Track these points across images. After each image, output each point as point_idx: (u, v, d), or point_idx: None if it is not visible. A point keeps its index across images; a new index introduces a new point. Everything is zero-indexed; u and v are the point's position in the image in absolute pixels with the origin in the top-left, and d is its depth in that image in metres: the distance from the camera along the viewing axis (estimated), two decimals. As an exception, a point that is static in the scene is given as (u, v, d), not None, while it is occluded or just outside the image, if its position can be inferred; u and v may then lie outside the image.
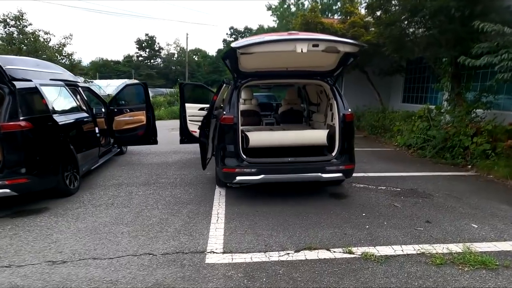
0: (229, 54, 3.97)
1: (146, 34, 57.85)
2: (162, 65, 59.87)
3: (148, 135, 7.49)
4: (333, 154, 4.58)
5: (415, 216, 4.24)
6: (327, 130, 4.88)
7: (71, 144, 4.99)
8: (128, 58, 57.54)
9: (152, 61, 59.43)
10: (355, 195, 5.06)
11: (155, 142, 7.61)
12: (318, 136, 4.83)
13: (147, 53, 58.37)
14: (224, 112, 4.47)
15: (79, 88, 6.45)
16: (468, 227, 3.89)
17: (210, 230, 3.84)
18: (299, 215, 4.27)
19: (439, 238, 3.62)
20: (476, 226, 3.91)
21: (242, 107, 7.16)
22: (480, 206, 4.56)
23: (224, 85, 5.02)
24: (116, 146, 7.87)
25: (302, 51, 3.63)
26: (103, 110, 7.64)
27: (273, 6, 29.40)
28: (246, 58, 4.20)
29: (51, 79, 5.37)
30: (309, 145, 4.86)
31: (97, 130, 6.66)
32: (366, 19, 11.20)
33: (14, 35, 17.84)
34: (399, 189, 5.33)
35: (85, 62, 52.74)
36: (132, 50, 75.72)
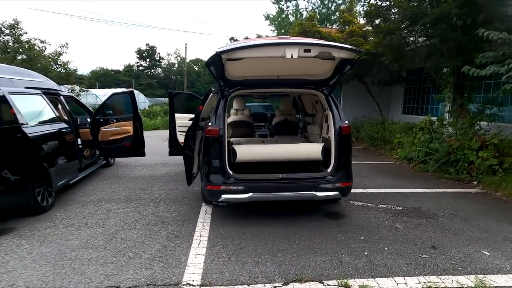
0: (213, 61, 3.61)
1: (147, 44, 58.22)
2: (162, 74, 60.01)
3: (135, 146, 7.11)
4: (329, 170, 4.18)
5: (419, 240, 3.82)
6: (322, 144, 4.49)
7: (44, 158, 4.58)
8: (128, 68, 57.75)
9: (152, 70, 59.60)
10: (353, 214, 4.64)
11: (142, 154, 7.22)
12: (312, 150, 4.44)
13: (147, 62, 58.60)
14: (210, 124, 4.09)
15: (61, 97, 6.09)
16: (479, 255, 3.46)
17: (190, 256, 3.41)
18: (291, 238, 3.85)
19: (447, 268, 3.19)
20: (488, 254, 3.48)
21: (233, 117, 6.82)
22: (490, 229, 4.14)
23: (211, 94, 4.65)
24: (102, 158, 7.49)
25: (292, 56, 3.27)
26: (88, 120, 7.29)
27: (271, 16, 29.36)
28: (233, 65, 3.85)
29: (26, 87, 5.00)
30: (303, 160, 4.47)
31: (79, 141, 6.30)
32: (365, 28, 10.94)
33: (10, 43, 17.62)
34: (400, 208, 4.91)
35: (86, 71, 52.87)
36: (133, 59, 76.07)
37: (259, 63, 3.87)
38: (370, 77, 11.84)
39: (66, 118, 6.13)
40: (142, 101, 33.87)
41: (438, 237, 3.89)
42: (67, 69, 19.23)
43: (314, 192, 4.01)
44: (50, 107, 5.31)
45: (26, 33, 17.82)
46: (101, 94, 31.16)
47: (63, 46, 18.97)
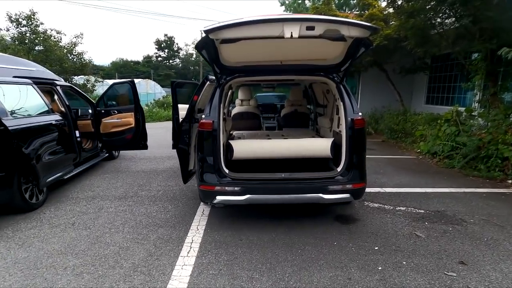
0: (204, 43, 3.12)
1: (165, 35, 58.25)
2: (180, 65, 60.06)
3: (137, 139, 6.78)
4: (338, 169, 3.65)
5: (444, 252, 3.25)
6: (332, 139, 3.95)
7: (31, 152, 4.27)
8: (147, 59, 58.18)
9: (170, 61, 59.78)
10: (367, 218, 4.10)
11: (145, 147, 6.89)
12: (320, 146, 3.91)
13: (166, 53, 58.77)
14: (203, 116, 3.63)
15: (57, 88, 5.79)
16: (519, 275, 2.88)
17: (176, 267, 3.01)
18: (293, 246, 3.38)
19: (479, 292, 2.64)
20: (531, 274, 2.89)
21: (238, 108, 6.34)
22: (531, 240, 3.51)
23: (208, 82, 4.18)
24: (105, 151, 7.21)
25: (292, 36, 2.73)
26: (90, 111, 7.01)
27: (286, 2, 28.34)
28: (228, 48, 3.35)
29: (15, 77, 4.69)
30: (310, 157, 3.96)
31: (77, 134, 6.01)
32: (386, 11, 10.09)
33: (27, 34, 17.71)
34: (422, 211, 4.33)
35: (106, 62, 53.69)
36: (152, 50, 76.54)
37: (258, 46, 3.35)
38: (390, 65, 11.03)
39: (62, 109, 5.85)
40: (158, 91, 33.86)
41: (468, 249, 3.31)
42: (82, 59, 19.22)
43: (321, 195, 3.50)
44: (42, 98, 4.99)
45: (42, 24, 17.88)
46: (117, 85, 31.38)
47: (78, 37, 18.98)
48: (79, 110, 7.08)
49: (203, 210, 4.35)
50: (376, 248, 3.35)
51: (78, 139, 6.03)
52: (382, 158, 7.57)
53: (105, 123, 6.79)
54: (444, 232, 3.71)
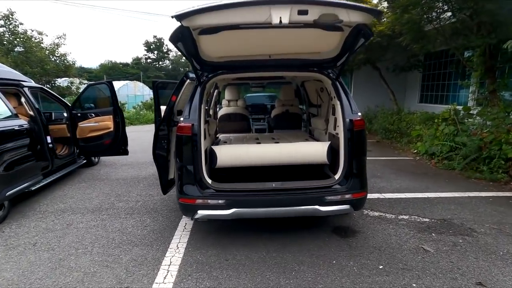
0: (180, 34, 2.66)
1: (154, 36, 57.62)
2: (170, 67, 59.31)
3: (116, 144, 6.27)
4: (336, 176, 3.23)
5: (458, 270, 2.86)
6: (328, 143, 3.53)
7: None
8: (136, 60, 57.38)
9: (160, 63, 59.00)
10: (368, 230, 3.69)
11: (125, 152, 6.39)
12: (315, 151, 3.48)
13: (155, 55, 58.04)
14: (181, 119, 3.17)
15: (24, 89, 5.24)
16: (547, 298, 2.49)
17: (148, 298, 2.55)
18: (286, 267, 2.94)
19: (506, 323, 2.24)
20: (561, 296, 2.51)
21: (225, 109, 5.89)
22: (551, 253, 3.15)
23: (188, 80, 3.72)
24: (83, 157, 6.68)
25: (281, 21, 2.30)
26: (65, 115, 6.48)
27: None
28: (208, 40, 2.90)
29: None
30: (304, 164, 3.53)
31: (49, 139, 5.47)
32: (379, 6, 9.76)
33: (6, 35, 16.92)
34: (427, 220, 3.94)
35: (95, 65, 52.63)
36: (141, 52, 75.35)
37: (242, 38, 2.91)
38: (384, 63, 10.73)
39: (31, 113, 5.31)
40: (147, 93, 33.14)
41: (483, 266, 2.92)
42: (65, 61, 18.51)
43: (317, 207, 3.07)
44: (2, 101, 4.45)
45: (21, 24, 17.12)
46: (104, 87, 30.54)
47: (60, 37, 18.27)
48: (53, 114, 6.55)
49: (185, 223, 3.89)
50: (381, 267, 2.93)
51: (50, 145, 5.50)
52: (379, 160, 7.21)
53: (82, 127, 6.26)
54: (454, 244, 3.32)
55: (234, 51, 3.16)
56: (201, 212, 3.11)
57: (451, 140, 6.79)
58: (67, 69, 18.71)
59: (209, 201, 3.07)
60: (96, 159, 7.40)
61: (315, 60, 3.34)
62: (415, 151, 7.92)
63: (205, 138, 3.55)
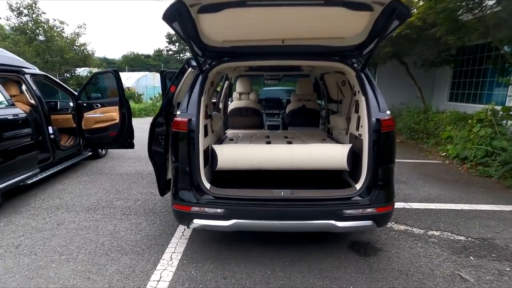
0: (175, 11, 2.21)
1: (176, 28, 57.54)
2: (191, 59, 59.44)
3: (122, 136, 5.94)
4: (358, 186, 2.72)
5: (507, 310, 2.31)
6: (349, 145, 3.01)
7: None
8: (158, 52, 57.83)
9: (181, 55, 59.17)
10: (392, 248, 3.17)
11: (131, 145, 6.05)
12: (333, 155, 2.97)
13: (176, 47, 58.21)
14: (178, 113, 2.74)
15: (25, 77, 4.98)
16: None
17: (127, 324, 2.15)
18: (294, 292, 2.48)
19: None
20: None
21: (236, 103, 5.43)
22: None
23: (190, 69, 3.28)
24: (89, 149, 6.43)
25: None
26: (71, 104, 6.22)
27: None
28: (209, 20, 2.45)
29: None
30: (319, 169, 3.04)
31: (50, 130, 5.22)
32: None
33: (29, 24, 17.08)
34: (463, 239, 3.37)
35: (118, 56, 53.56)
36: (163, 44, 76.09)
37: (250, 18, 2.43)
38: (411, 57, 9.93)
39: (32, 101, 5.06)
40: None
41: (539, 306, 2.36)
42: (84, 51, 18.55)
43: (333, 222, 2.58)
44: (-3, 88, 4.18)
45: (44, 13, 17.23)
46: (123, 78, 30.67)
47: (80, 27, 18.31)
48: (58, 103, 6.30)
49: (184, 230, 3.48)
50: (409, 298, 2.42)
51: (52, 136, 5.25)
52: (403, 163, 6.57)
53: (87, 117, 5.97)
54: (499, 273, 2.75)
55: (241, 34, 2.68)
56: (197, 222, 2.69)
57: (487, 144, 6.07)
58: (86, 59, 18.77)
59: (206, 209, 2.64)
60: (104, 152, 7.15)
61: (337, 47, 2.82)
62: (444, 153, 7.22)
63: (206, 135, 3.11)
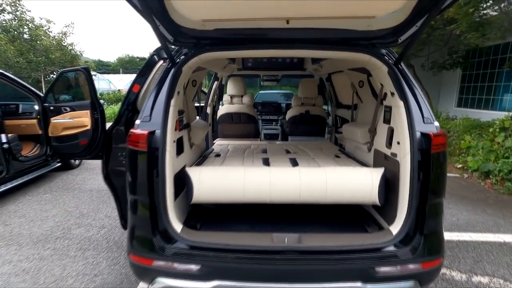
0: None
1: (171, 31, 57.21)
2: (187, 61, 59.10)
3: (93, 145, 5.07)
4: (394, 230, 1.89)
5: None
6: (381, 170, 2.17)
7: None
8: (153, 54, 57.29)
9: (179, 57, 58.65)
10: (432, 305, 2.35)
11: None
12: (357, 183, 2.12)
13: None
14: (137, 122, 1.90)
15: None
16: None
17: None
18: None
19: None
20: None
21: (227, 108, 4.59)
22: None
23: (161, 62, 2.46)
24: (57, 159, 5.57)
25: None
26: (36, 108, 5.36)
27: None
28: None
29: None
30: (337, 203, 2.20)
31: (3, 138, 4.37)
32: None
33: (14, 22, 16.20)
34: (521, 289, 2.56)
35: (113, 58, 52.94)
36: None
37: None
38: (419, 59, 9.23)
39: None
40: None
41: None
42: (72, 51, 17.68)
43: (360, 285, 1.75)
44: None
45: (29, 11, 16.37)
46: (115, 80, 29.73)
47: (68, 26, 17.48)
48: (20, 106, 5.43)
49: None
50: None
51: (6, 145, 4.39)
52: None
53: (54, 123, 5.10)
54: None
55: (228, 12, 1.83)
56: (162, 281, 1.85)
57: (515, 156, 5.31)
58: (74, 60, 17.89)
59: (175, 264, 1.80)
60: (77, 162, 6.28)
61: (363, 32, 1.99)
62: (460, 165, 6.45)
63: (180, 152, 2.28)
